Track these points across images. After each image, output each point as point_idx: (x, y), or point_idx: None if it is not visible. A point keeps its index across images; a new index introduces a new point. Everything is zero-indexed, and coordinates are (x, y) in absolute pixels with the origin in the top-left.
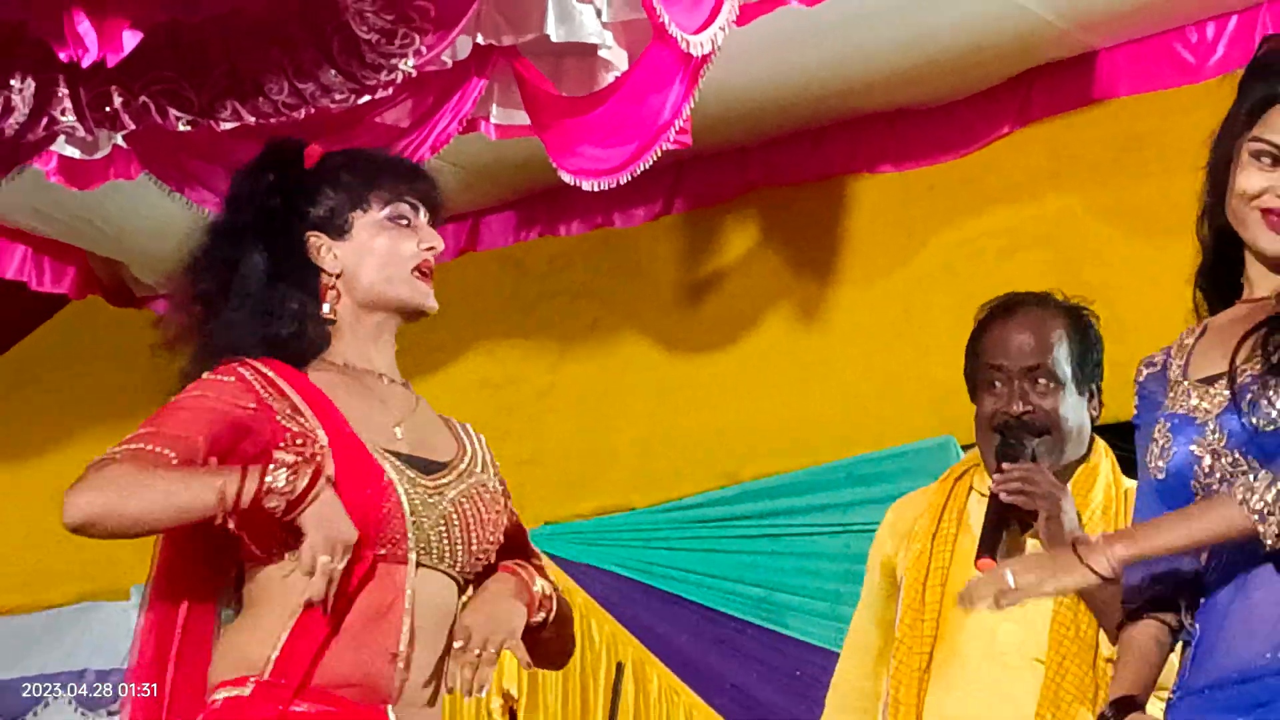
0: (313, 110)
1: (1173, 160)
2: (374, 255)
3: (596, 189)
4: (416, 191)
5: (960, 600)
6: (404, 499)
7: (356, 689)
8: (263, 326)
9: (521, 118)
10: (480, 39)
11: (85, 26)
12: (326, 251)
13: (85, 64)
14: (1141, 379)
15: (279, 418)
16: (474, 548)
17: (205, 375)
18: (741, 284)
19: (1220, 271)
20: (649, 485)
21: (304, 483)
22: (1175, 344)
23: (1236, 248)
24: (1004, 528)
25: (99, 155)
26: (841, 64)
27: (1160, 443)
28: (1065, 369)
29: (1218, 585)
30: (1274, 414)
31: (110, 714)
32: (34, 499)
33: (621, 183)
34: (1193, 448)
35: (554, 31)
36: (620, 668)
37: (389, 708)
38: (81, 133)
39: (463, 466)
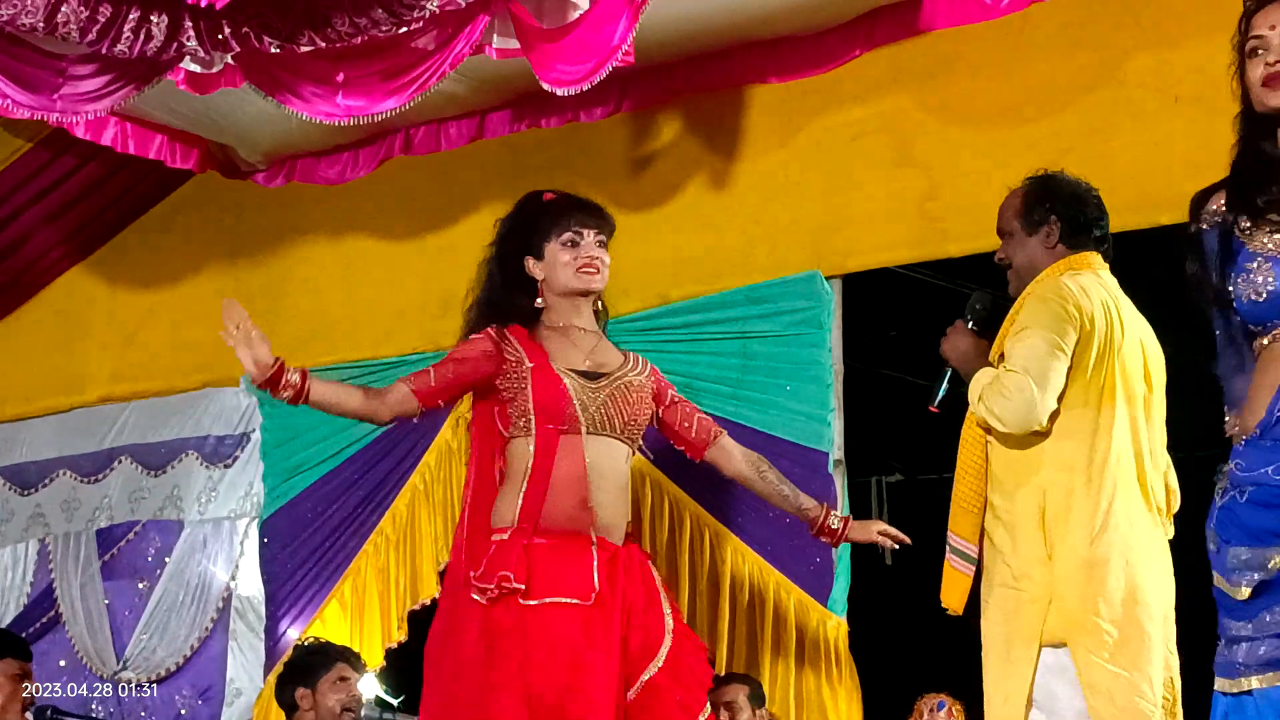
0: (366, 37)
1: (977, 71)
2: (556, 267)
3: (567, 94)
4: (582, 221)
5: None
6: (574, 395)
7: (567, 527)
8: (503, 313)
9: (514, 43)
10: None
11: None
12: (534, 267)
13: (203, 4)
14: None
15: (505, 354)
16: (623, 420)
17: (471, 336)
18: (670, 161)
19: (1250, 136)
20: (606, 304)
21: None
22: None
23: (1257, 121)
24: (939, 380)
25: (214, 70)
26: (741, 3)
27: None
28: (1013, 225)
29: None
30: None
31: (225, 466)
32: (172, 314)
33: (585, 89)
34: None
35: None
36: None
37: (592, 533)
38: (201, 54)
39: (617, 374)
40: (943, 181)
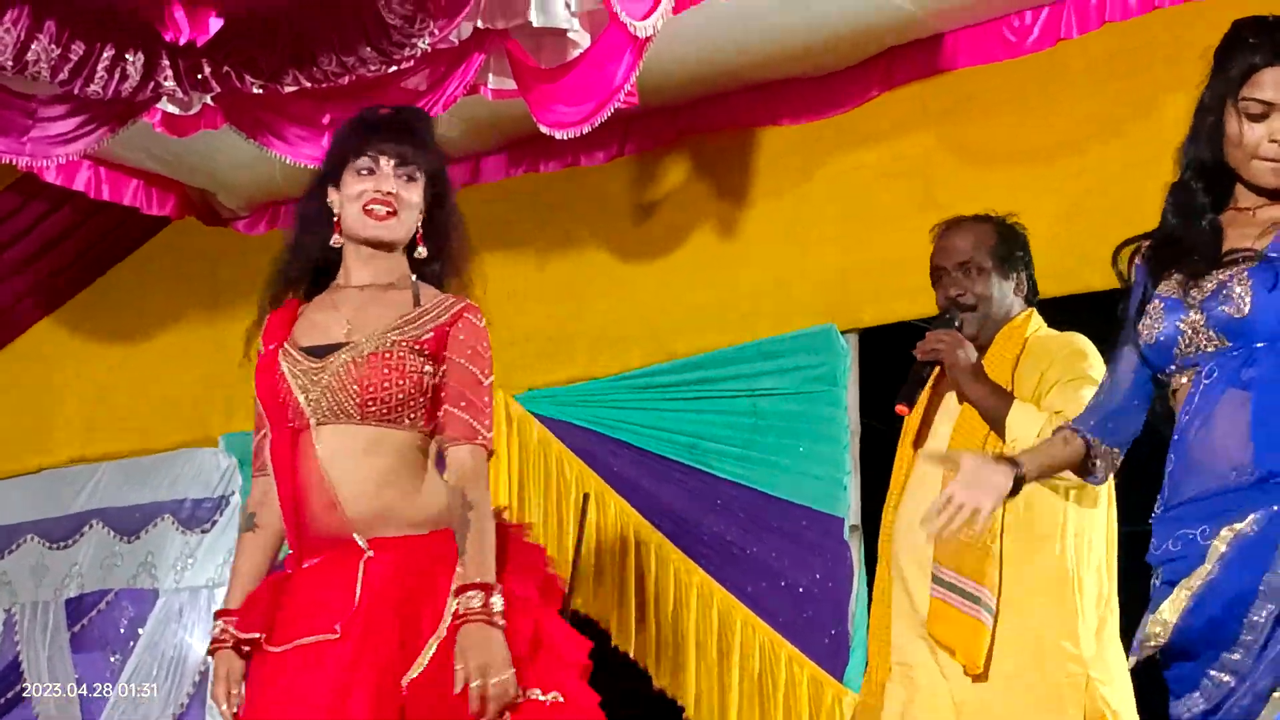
0: (353, 77)
1: (999, 113)
2: (346, 200)
3: (567, 137)
4: (381, 145)
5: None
6: (291, 381)
7: (328, 536)
8: (298, 256)
9: (511, 83)
10: (480, 24)
11: (180, 14)
12: (334, 197)
13: (181, 42)
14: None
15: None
16: (358, 401)
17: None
18: (676, 207)
19: (1203, 187)
20: (607, 359)
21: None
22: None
23: (1222, 172)
24: (920, 382)
25: (192, 111)
26: (751, 43)
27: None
28: (988, 262)
29: (1188, 425)
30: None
31: (203, 532)
32: (147, 369)
33: (585, 132)
34: (1179, 324)
35: (535, 18)
36: (586, 497)
37: (356, 537)
38: (179, 94)
39: (361, 341)
40: None
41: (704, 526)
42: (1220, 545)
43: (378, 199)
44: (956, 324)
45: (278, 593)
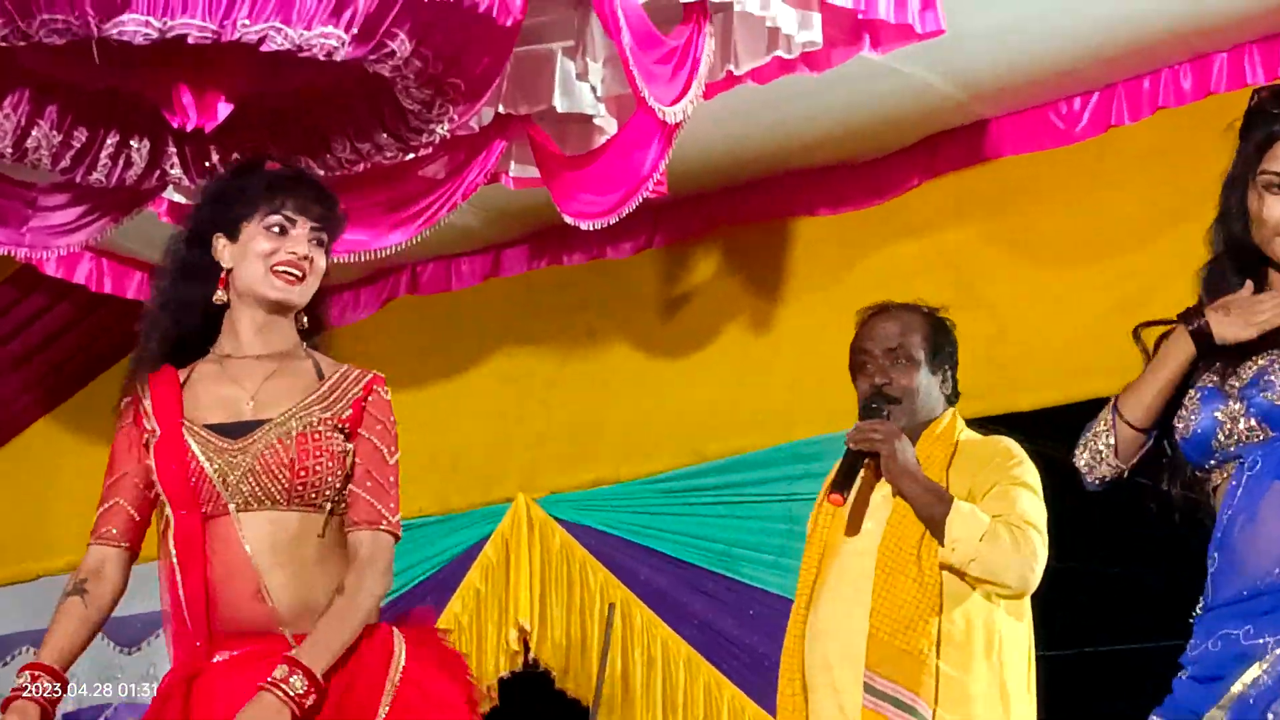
0: (368, 164)
1: (1046, 204)
2: (247, 257)
3: (592, 228)
4: (302, 205)
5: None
6: (206, 465)
7: (247, 628)
8: (176, 310)
9: (533, 171)
10: (501, 109)
11: (188, 99)
12: (223, 249)
13: (189, 129)
14: None
15: (143, 426)
16: (284, 486)
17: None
18: (707, 301)
19: (1234, 267)
20: (634, 461)
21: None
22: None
23: (1250, 252)
24: (854, 473)
25: None
26: (787, 129)
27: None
28: (919, 354)
29: (1231, 522)
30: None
31: None
32: None
33: (612, 223)
34: (1217, 414)
35: (559, 103)
36: (612, 607)
37: (284, 631)
38: (186, 182)
39: (279, 420)
40: (1011, 324)
41: (736, 638)
42: (1239, 687)
43: (292, 261)
44: (885, 414)
45: (189, 688)
